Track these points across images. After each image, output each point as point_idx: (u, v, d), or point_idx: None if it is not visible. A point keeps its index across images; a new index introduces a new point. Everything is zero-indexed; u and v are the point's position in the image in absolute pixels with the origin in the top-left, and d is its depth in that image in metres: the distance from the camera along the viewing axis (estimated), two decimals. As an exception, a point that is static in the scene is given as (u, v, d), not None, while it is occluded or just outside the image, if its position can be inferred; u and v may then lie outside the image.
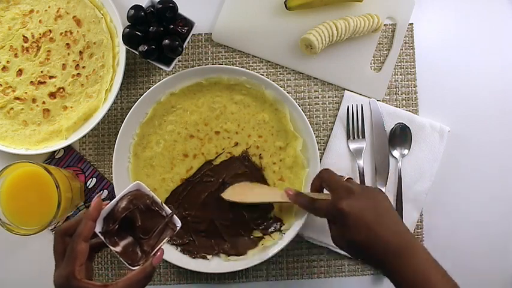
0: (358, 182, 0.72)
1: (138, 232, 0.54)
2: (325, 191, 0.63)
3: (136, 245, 0.54)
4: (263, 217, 0.72)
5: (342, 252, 0.73)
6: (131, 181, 0.72)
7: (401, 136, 0.73)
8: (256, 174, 0.72)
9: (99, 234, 0.54)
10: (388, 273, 0.54)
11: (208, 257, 0.71)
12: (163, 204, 0.57)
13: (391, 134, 0.73)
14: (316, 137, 0.71)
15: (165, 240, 0.55)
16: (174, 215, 0.56)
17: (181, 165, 0.73)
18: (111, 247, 0.54)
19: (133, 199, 0.55)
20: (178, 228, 0.56)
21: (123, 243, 0.54)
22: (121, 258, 0.54)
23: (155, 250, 0.54)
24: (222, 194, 0.70)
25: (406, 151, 0.73)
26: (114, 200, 0.55)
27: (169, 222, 0.56)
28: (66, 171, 0.71)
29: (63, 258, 0.51)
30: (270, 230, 0.72)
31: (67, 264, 0.50)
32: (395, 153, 0.73)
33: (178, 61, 0.75)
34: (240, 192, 0.70)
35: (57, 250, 0.52)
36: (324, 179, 0.62)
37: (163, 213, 0.56)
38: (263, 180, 0.72)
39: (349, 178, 0.62)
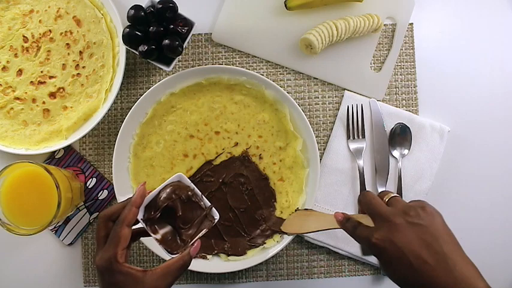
0: (358, 182, 0.72)
1: (178, 222, 0.56)
2: None
3: (176, 234, 0.56)
4: (264, 217, 0.72)
5: (342, 252, 0.73)
6: (131, 181, 0.72)
7: (401, 136, 0.73)
8: (256, 176, 0.72)
9: (141, 221, 0.55)
10: None
11: (208, 257, 0.71)
12: (203, 197, 0.58)
13: (391, 134, 0.73)
14: (316, 137, 0.71)
15: (203, 231, 0.56)
16: (213, 208, 0.58)
17: (181, 165, 0.73)
18: (151, 234, 0.55)
19: (175, 190, 0.56)
20: (216, 220, 0.58)
21: (162, 231, 0.56)
22: (160, 246, 0.55)
23: (193, 240, 0.55)
24: (281, 227, 0.70)
25: (406, 151, 0.73)
26: (156, 189, 0.56)
27: (208, 214, 0.58)
28: (66, 171, 0.71)
29: (105, 242, 0.52)
30: (270, 231, 0.72)
31: (110, 247, 0.51)
32: (395, 153, 0.73)
33: (178, 61, 0.75)
34: (298, 224, 0.68)
35: (99, 234, 0.53)
36: (363, 204, 0.54)
37: (203, 205, 0.57)
38: (264, 180, 0.72)
39: (395, 196, 0.52)
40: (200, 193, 0.58)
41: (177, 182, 0.58)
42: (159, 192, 0.56)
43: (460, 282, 0.44)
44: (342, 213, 0.56)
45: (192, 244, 0.55)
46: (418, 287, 0.46)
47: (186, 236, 0.56)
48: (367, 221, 0.53)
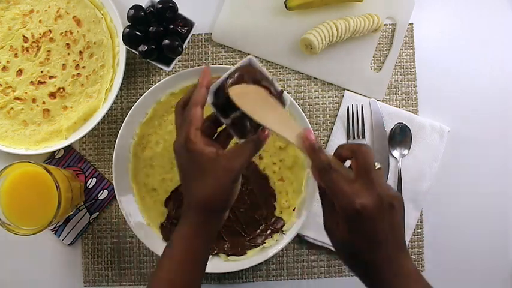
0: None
1: None
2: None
3: (246, 120, 0.52)
4: (263, 217, 0.72)
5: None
6: (131, 181, 0.72)
7: (401, 136, 0.73)
8: (256, 176, 0.72)
9: (211, 105, 0.53)
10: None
11: (208, 257, 0.71)
12: (274, 81, 0.54)
13: (391, 134, 0.73)
14: (316, 137, 0.71)
15: None
16: (284, 92, 0.54)
17: (181, 165, 0.72)
18: (221, 119, 0.53)
19: (244, 74, 0.53)
20: (287, 105, 0.53)
21: (232, 115, 0.53)
22: (230, 131, 0.53)
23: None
24: (229, 89, 0.52)
25: (406, 151, 0.73)
26: (224, 75, 0.53)
27: (279, 100, 0.53)
28: (66, 171, 0.71)
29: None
30: (269, 230, 0.72)
31: (183, 129, 0.51)
32: (395, 153, 0.73)
33: (178, 61, 0.75)
34: (252, 103, 0.51)
35: (177, 123, 0.54)
36: (359, 158, 0.46)
37: (273, 90, 0.53)
38: (264, 180, 0.72)
39: (379, 169, 0.47)
40: (271, 77, 0.54)
41: (247, 66, 0.54)
42: (228, 77, 0.53)
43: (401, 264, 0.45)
44: (315, 139, 0.48)
45: (263, 129, 0.51)
46: (365, 264, 0.46)
47: (256, 121, 0.50)
48: (340, 168, 0.47)
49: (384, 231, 0.45)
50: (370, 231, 0.45)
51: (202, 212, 0.51)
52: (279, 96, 0.53)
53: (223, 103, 0.52)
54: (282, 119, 0.51)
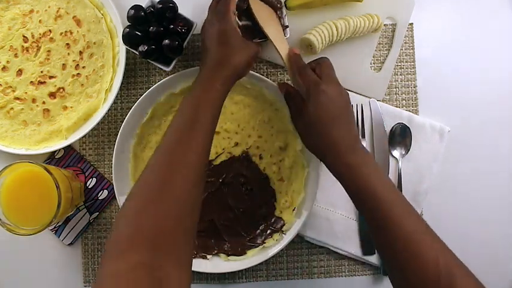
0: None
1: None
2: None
3: (254, 29, 0.67)
4: (263, 217, 0.72)
5: (342, 252, 0.73)
6: (131, 181, 0.72)
7: (401, 136, 0.73)
8: (256, 176, 0.72)
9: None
10: (331, 168, 0.58)
11: (208, 257, 0.71)
12: (286, 17, 0.70)
13: (391, 134, 0.73)
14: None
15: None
16: (288, 28, 0.70)
17: (181, 165, 0.72)
18: (237, 19, 0.64)
19: None
20: (287, 37, 0.69)
21: (244, 22, 0.67)
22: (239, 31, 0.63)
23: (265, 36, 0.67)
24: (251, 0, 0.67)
25: (406, 151, 0.73)
26: None
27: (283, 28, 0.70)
28: (66, 171, 0.71)
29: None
30: (269, 230, 0.72)
31: (223, 4, 0.62)
32: (395, 153, 0.73)
33: (178, 61, 0.75)
34: (264, 16, 0.68)
35: (212, 5, 0.65)
36: (323, 65, 0.62)
37: (282, 22, 0.70)
38: (264, 180, 0.72)
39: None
40: (285, 12, 0.70)
41: None
42: None
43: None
44: (298, 51, 0.64)
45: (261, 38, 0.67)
46: (325, 134, 0.58)
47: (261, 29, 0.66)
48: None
49: (340, 108, 0.59)
50: (330, 107, 0.58)
51: (233, 77, 0.60)
52: (284, 28, 0.70)
53: (243, 9, 0.67)
54: (280, 36, 0.67)
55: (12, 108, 0.72)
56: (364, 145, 0.73)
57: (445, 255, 0.49)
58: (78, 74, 0.72)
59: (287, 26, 0.70)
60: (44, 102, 0.72)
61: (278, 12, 0.70)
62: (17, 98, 0.72)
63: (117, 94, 0.71)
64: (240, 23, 0.66)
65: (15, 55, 0.72)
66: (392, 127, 0.73)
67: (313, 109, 0.58)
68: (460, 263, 0.49)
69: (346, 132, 0.58)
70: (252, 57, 0.62)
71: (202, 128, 0.55)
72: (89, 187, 0.74)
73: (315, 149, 0.61)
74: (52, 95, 0.72)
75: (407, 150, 0.73)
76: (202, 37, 0.63)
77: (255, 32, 0.66)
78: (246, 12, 0.67)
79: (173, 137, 0.54)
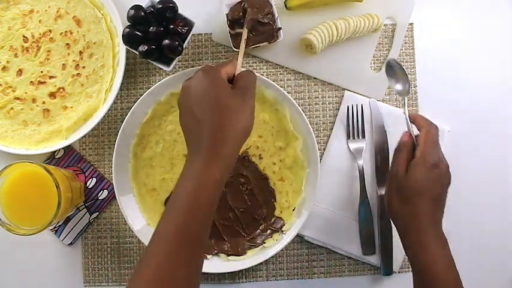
0: (358, 182, 0.72)
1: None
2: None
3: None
4: (263, 217, 0.72)
5: (342, 252, 0.73)
6: (131, 181, 0.72)
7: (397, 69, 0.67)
8: (256, 176, 0.72)
9: (225, 16, 0.69)
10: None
11: (208, 257, 0.71)
12: (278, 19, 0.70)
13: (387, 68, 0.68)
14: (316, 137, 0.71)
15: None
16: (281, 30, 0.70)
17: (181, 165, 0.72)
18: (229, 27, 0.68)
19: (256, 9, 0.68)
20: (280, 40, 0.70)
21: (237, 30, 0.69)
22: (230, 38, 0.67)
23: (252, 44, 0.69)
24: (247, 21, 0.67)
25: (408, 85, 0.67)
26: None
27: (275, 33, 0.70)
28: (66, 171, 0.71)
29: None
30: (269, 230, 0.72)
31: (212, 69, 0.54)
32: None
33: (178, 61, 0.75)
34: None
35: (204, 69, 0.55)
36: (421, 135, 0.60)
37: (275, 26, 0.70)
38: (264, 180, 0.72)
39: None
40: (277, 14, 0.69)
41: None
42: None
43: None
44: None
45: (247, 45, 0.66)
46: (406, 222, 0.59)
47: (252, 41, 0.69)
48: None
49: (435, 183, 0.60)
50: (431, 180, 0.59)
51: (240, 144, 0.52)
52: (276, 31, 0.70)
53: (236, 18, 0.69)
54: None
55: (12, 108, 0.72)
56: (364, 145, 0.73)
57: None
58: (78, 74, 0.72)
59: (280, 28, 0.70)
60: (44, 102, 0.72)
61: (267, 19, 0.69)
62: (17, 98, 0.72)
63: (117, 94, 0.71)
64: (233, 32, 0.67)
65: (15, 55, 0.72)
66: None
67: (418, 174, 0.58)
68: None
69: (432, 209, 0.60)
70: (253, 112, 0.53)
71: (199, 245, 0.50)
72: (89, 187, 0.74)
73: (397, 215, 0.61)
74: (52, 95, 0.72)
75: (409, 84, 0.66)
76: (185, 104, 0.52)
77: (247, 39, 0.66)
78: (238, 21, 0.68)
79: (165, 248, 0.48)
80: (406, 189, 0.58)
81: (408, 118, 0.62)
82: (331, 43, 0.72)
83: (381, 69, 0.75)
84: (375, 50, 0.75)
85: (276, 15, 0.70)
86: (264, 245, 0.71)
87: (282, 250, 0.70)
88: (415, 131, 0.62)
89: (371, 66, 0.75)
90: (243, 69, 0.58)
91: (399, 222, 0.61)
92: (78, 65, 0.72)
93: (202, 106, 0.51)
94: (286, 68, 0.75)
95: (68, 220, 0.74)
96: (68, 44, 0.72)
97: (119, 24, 0.71)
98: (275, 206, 0.72)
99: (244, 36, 0.64)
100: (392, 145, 0.73)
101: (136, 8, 0.66)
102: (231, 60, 0.57)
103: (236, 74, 0.56)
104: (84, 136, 0.72)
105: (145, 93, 0.70)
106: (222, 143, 0.49)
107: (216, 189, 0.50)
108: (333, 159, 0.74)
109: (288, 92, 0.73)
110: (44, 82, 0.72)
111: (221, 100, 0.51)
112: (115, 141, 0.71)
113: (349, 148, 0.74)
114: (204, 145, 0.49)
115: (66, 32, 0.72)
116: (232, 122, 0.50)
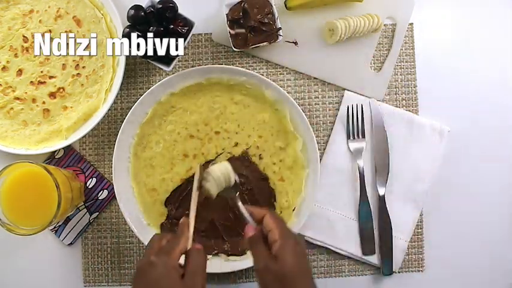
0: (358, 182, 0.73)
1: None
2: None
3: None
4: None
5: (342, 252, 0.73)
6: (131, 181, 0.72)
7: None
8: (256, 176, 0.72)
9: (225, 16, 0.69)
10: None
11: (208, 257, 0.71)
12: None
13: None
14: (316, 137, 0.71)
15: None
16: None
17: (181, 165, 0.73)
18: (228, 27, 0.68)
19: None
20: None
21: (236, 30, 0.70)
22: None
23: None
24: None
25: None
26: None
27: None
28: (66, 171, 0.71)
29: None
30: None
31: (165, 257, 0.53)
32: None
33: (178, 61, 0.75)
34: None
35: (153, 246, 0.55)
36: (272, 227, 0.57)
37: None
38: (264, 180, 0.72)
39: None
40: (277, 14, 0.69)
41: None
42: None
43: None
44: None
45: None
46: None
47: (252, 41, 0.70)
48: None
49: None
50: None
51: None
52: (276, 31, 0.70)
53: (235, 18, 0.69)
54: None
55: (12, 108, 0.72)
56: (364, 145, 0.73)
57: None
58: (78, 74, 0.72)
59: (280, 28, 0.70)
60: (44, 102, 0.72)
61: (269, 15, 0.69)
62: (17, 98, 0.72)
63: (117, 94, 0.71)
64: (233, 32, 0.68)
65: (15, 55, 0.72)
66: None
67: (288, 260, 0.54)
68: None
69: None
70: None
71: None
72: (89, 187, 0.74)
73: None
74: (52, 95, 0.72)
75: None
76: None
77: (247, 39, 0.67)
78: (238, 21, 0.68)
79: None
80: (286, 277, 0.53)
81: (244, 211, 0.60)
82: (349, 37, 0.72)
83: (381, 69, 0.75)
84: (375, 50, 0.75)
85: (276, 15, 0.70)
86: (264, 245, 0.71)
87: (282, 250, 0.70)
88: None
89: (371, 66, 0.75)
90: (195, 244, 0.57)
91: None
92: (78, 65, 0.72)
93: None
94: (286, 68, 0.75)
95: (68, 220, 0.74)
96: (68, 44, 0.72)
97: (119, 24, 0.71)
98: (275, 206, 0.72)
99: (195, 198, 0.60)
100: (392, 145, 0.73)
101: (136, 8, 0.66)
102: (183, 232, 0.56)
103: (188, 249, 0.56)
104: (84, 136, 0.72)
105: (145, 93, 0.70)
106: None
107: None
108: (333, 159, 0.74)
109: (288, 92, 0.73)
110: (44, 82, 0.72)
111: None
112: (115, 141, 0.71)
113: (349, 148, 0.74)
114: None
115: (66, 32, 0.72)
116: None
